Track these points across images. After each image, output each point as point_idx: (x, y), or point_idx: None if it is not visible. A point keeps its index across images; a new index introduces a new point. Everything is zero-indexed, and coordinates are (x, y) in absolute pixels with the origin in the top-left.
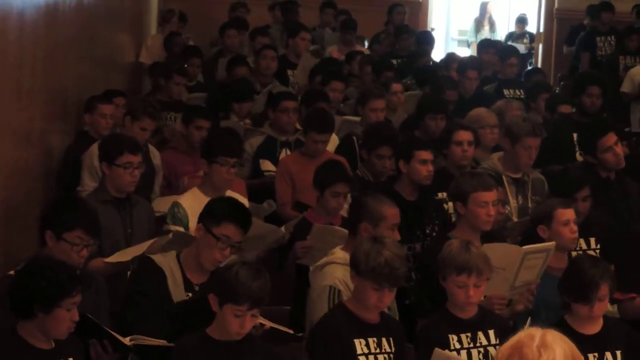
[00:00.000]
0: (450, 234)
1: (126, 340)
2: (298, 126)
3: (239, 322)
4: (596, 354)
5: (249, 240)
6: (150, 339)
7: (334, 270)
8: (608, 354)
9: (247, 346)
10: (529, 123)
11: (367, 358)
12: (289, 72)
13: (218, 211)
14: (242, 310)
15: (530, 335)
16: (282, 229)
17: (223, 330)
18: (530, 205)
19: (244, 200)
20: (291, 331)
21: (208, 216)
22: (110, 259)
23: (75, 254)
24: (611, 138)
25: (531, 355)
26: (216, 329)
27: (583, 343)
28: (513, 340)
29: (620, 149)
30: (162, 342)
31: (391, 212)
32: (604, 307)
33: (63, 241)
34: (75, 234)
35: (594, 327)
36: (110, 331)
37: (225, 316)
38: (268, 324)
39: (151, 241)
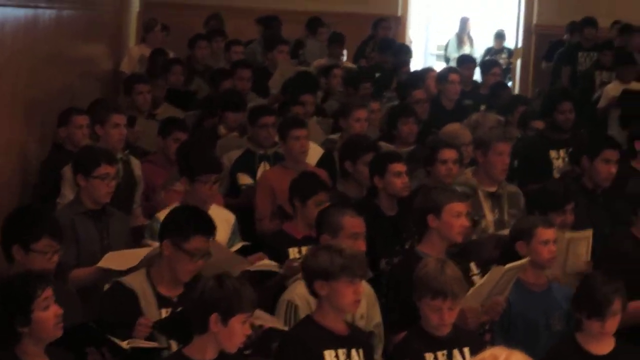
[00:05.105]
0: (417, 249)
1: (124, 344)
2: (277, 139)
3: (244, 329)
4: None
5: (213, 265)
6: (145, 341)
7: (296, 286)
8: None
9: None
10: (497, 129)
11: None
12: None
13: (184, 226)
14: (249, 315)
15: (494, 356)
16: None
17: (229, 343)
18: (506, 218)
19: (229, 216)
20: (286, 328)
21: (174, 232)
22: (103, 264)
23: (47, 261)
24: (614, 155)
25: None
26: (197, 349)
27: None
28: None
29: (614, 169)
30: (155, 344)
31: (350, 222)
32: (616, 323)
33: (32, 252)
34: (43, 242)
35: (605, 348)
36: (110, 337)
37: (233, 329)
38: (267, 323)
39: (147, 250)
